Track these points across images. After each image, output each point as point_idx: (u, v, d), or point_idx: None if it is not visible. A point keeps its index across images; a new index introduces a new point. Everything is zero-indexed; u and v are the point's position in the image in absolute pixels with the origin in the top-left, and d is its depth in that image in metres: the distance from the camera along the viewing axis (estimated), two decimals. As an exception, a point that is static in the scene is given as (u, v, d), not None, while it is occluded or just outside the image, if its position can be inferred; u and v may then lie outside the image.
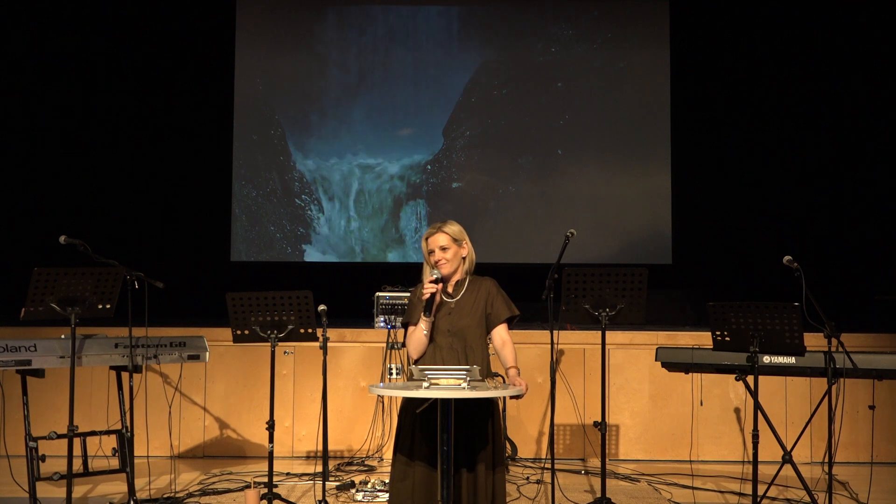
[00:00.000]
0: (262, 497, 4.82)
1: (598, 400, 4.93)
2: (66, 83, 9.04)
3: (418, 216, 9.20)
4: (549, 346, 4.56)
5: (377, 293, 6.70)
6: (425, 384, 3.63)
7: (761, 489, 4.81)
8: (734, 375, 4.96)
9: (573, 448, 6.54)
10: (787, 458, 4.85)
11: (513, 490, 5.44)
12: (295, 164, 9.24)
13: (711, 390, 6.41)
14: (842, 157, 8.94)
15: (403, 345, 4.77)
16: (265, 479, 4.97)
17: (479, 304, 4.05)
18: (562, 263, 4.61)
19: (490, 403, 4.00)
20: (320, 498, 5.08)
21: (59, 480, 4.76)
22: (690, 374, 5.81)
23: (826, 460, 4.72)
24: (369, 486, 5.45)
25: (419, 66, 9.29)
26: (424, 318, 3.95)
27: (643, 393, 6.53)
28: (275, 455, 4.90)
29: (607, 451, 5.68)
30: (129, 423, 5.00)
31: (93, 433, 5.06)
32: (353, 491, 5.44)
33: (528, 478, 5.86)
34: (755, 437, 4.62)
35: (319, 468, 5.75)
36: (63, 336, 4.82)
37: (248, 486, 5.10)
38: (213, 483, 5.68)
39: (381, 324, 6.61)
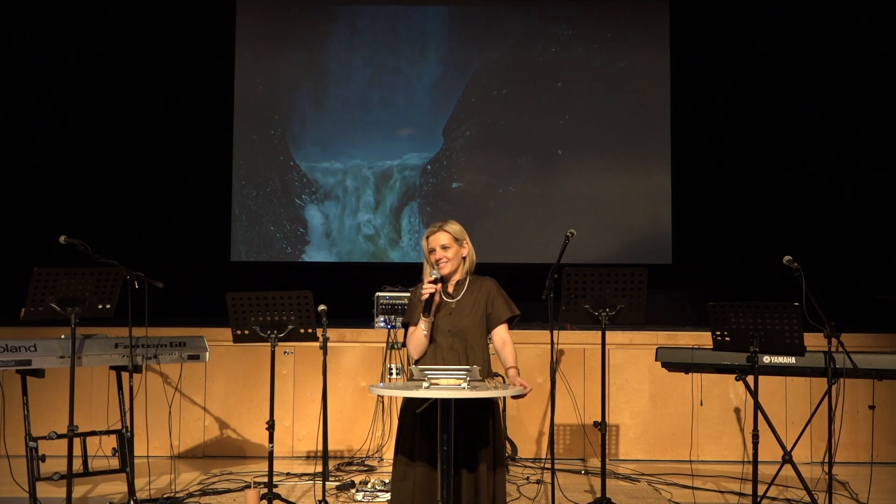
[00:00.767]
0: (262, 497, 4.82)
1: (598, 400, 4.93)
2: (66, 83, 9.04)
3: (418, 216, 9.20)
4: (549, 346, 4.56)
5: (377, 293, 6.70)
6: (425, 384, 3.62)
7: (761, 489, 4.81)
8: (734, 375, 4.96)
9: (573, 448, 6.54)
10: (787, 458, 4.85)
11: (513, 490, 5.44)
12: (295, 164, 9.24)
13: (711, 390, 6.41)
14: (842, 157, 8.94)
15: (403, 345, 4.77)
16: (265, 479, 4.97)
17: (480, 304, 4.05)
18: (562, 263, 4.61)
19: (490, 403, 4.00)
20: (320, 498, 5.08)
21: (59, 480, 4.76)
22: (690, 374, 5.81)
23: (826, 460, 4.72)
24: (369, 486, 5.45)
25: (419, 65, 9.29)
26: (424, 318, 3.95)
27: (643, 393, 6.53)
28: (275, 455, 4.90)
29: (607, 451, 5.68)
30: (129, 423, 5.00)
31: (93, 433, 5.06)
32: (353, 491, 5.44)
33: (528, 478, 5.86)
34: (755, 437, 4.62)
35: (319, 468, 5.75)
36: (63, 336, 4.82)
37: (248, 486, 5.10)
38: (213, 483, 5.68)
39: (381, 324, 6.61)
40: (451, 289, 4.08)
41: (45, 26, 9.04)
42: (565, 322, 4.91)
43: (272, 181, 9.25)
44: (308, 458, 6.46)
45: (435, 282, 3.95)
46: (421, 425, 3.91)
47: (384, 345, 6.47)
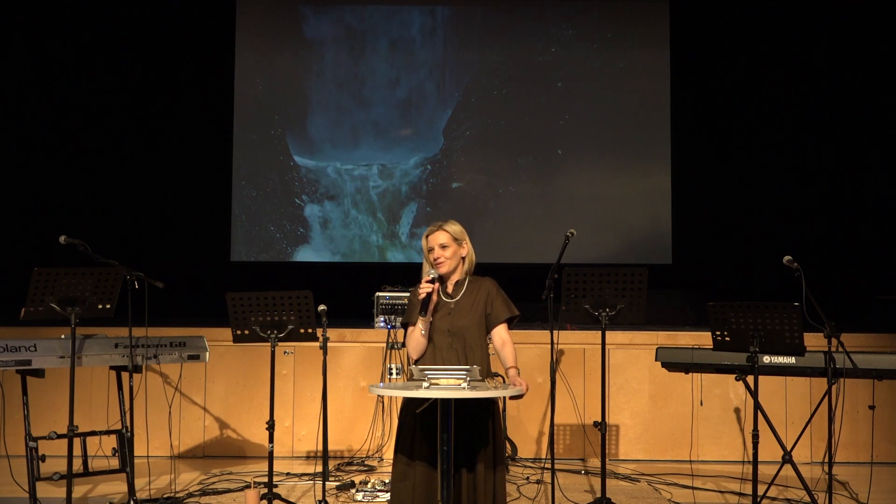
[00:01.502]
0: (262, 497, 4.82)
1: (598, 400, 4.93)
2: (66, 83, 9.05)
3: (418, 216, 9.20)
4: (549, 346, 4.56)
5: (377, 293, 6.70)
6: (425, 384, 3.63)
7: (761, 489, 4.81)
8: (734, 375, 4.96)
9: (573, 448, 6.54)
10: (787, 458, 4.85)
11: (513, 490, 5.44)
12: (295, 164, 9.24)
13: (711, 390, 6.41)
14: (842, 157, 8.94)
15: (403, 345, 4.77)
16: (265, 479, 4.97)
17: (479, 304, 4.05)
18: (562, 263, 4.61)
19: (490, 403, 4.00)
20: (320, 498, 5.08)
21: (59, 480, 4.76)
22: (690, 374, 5.81)
23: (826, 460, 4.72)
24: (369, 486, 5.45)
25: (419, 65, 9.29)
26: (421, 318, 3.95)
27: (643, 393, 6.53)
28: (275, 455, 4.91)
29: (607, 451, 5.68)
30: (129, 423, 5.00)
31: (93, 433, 5.06)
32: (353, 491, 5.44)
33: (528, 478, 5.86)
34: (755, 437, 4.62)
35: (319, 468, 5.75)
36: (63, 336, 4.82)
37: (248, 486, 5.10)
38: (213, 483, 5.68)
39: (381, 324, 6.61)
40: (450, 289, 4.08)
41: (45, 26, 9.04)
42: (565, 322, 4.91)
43: (272, 181, 9.25)
44: (308, 458, 6.46)
45: (432, 281, 3.95)
46: (421, 425, 3.91)
47: (384, 345, 6.47)
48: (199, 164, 9.16)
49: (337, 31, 9.32)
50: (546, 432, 6.36)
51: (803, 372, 4.93)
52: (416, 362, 4.03)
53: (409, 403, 3.97)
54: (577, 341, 6.55)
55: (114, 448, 5.06)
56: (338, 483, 5.63)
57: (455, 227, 4.07)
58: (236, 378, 6.54)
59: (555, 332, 4.56)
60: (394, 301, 6.61)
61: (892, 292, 8.05)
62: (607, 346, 5.07)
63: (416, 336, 3.99)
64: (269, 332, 4.76)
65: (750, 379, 4.74)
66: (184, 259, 8.80)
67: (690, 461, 6.34)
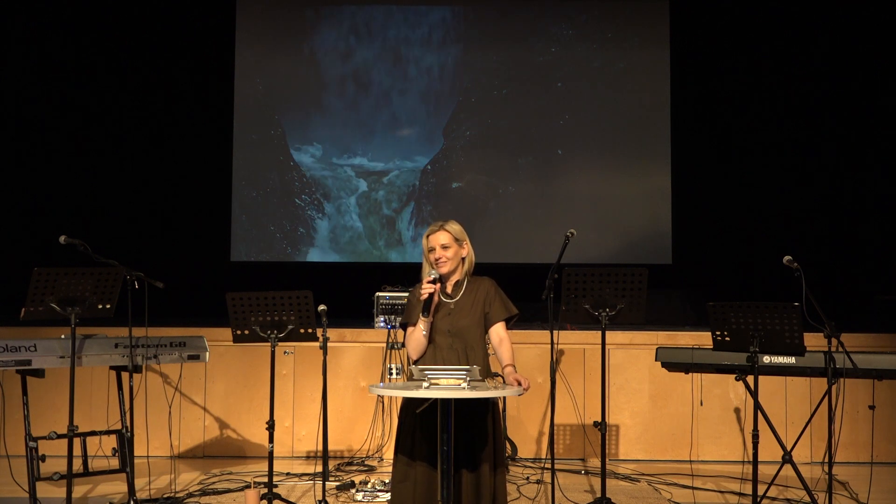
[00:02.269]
0: (262, 497, 4.82)
1: (598, 400, 4.92)
2: (66, 83, 9.05)
3: (418, 216, 9.20)
4: (549, 346, 4.55)
5: (377, 293, 6.70)
6: (425, 384, 3.62)
7: (761, 489, 4.81)
8: (734, 375, 4.96)
9: (573, 448, 6.54)
10: (787, 458, 4.85)
11: (513, 490, 5.43)
12: (295, 164, 9.24)
13: (711, 390, 6.41)
14: (842, 157, 8.94)
15: (403, 345, 4.77)
16: (265, 479, 4.97)
17: (479, 303, 4.05)
18: (562, 263, 4.61)
19: (490, 403, 4.00)
20: (320, 498, 5.08)
21: (59, 480, 4.76)
22: (690, 374, 5.81)
23: (826, 460, 4.72)
24: (369, 486, 5.45)
25: (419, 65, 9.29)
26: (423, 318, 3.95)
27: (643, 393, 6.53)
28: (275, 455, 4.90)
29: (607, 451, 5.68)
30: (129, 423, 5.00)
31: (93, 433, 5.06)
32: (353, 491, 5.44)
33: (528, 478, 5.86)
34: (755, 437, 4.62)
35: (319, 468, 5.75)
36: (63, 336, 4.82)
37: (248, 486, 5.10)
38: (213, 483, 5.68)
39: (381, 324, 6.61)
40: (449, 289, 4.08)
41: (45, 26, 9.04)
42: (565, 322, 4.91)
43: (272, 181, 9.25)
44: (308, 458, 6.46)
45: (434, 281, 3.96)
46: (421, 425, 3.91)
47: (384, 345, 6.47)
48: (199, 164, 9.16)
49: (337, 31, 9.32)
50: (546, 432, 6.36)
51: (803, 372, 4.92)
52: (416, 362, 4.03)
53: (408, 403, 3.98)
54: (577, 341, 6.55)
55: (114, 448, 5.06)
56: (338, 483, 5.63)
57: (456, 228, 4.07)
58: (236, 378, 6.54)
59: (555, 332, 4.56)
60: (394, 301, 6.61)
61: (892, 292, 8.05)
62: (607, 346, 5.07)
63: (417, 336, 3.99)
64: (269, 332, 4.76)
65: (750, 379, 4.74)
66: (184, 259, 8.80)
67: (690, 461, 6.34)
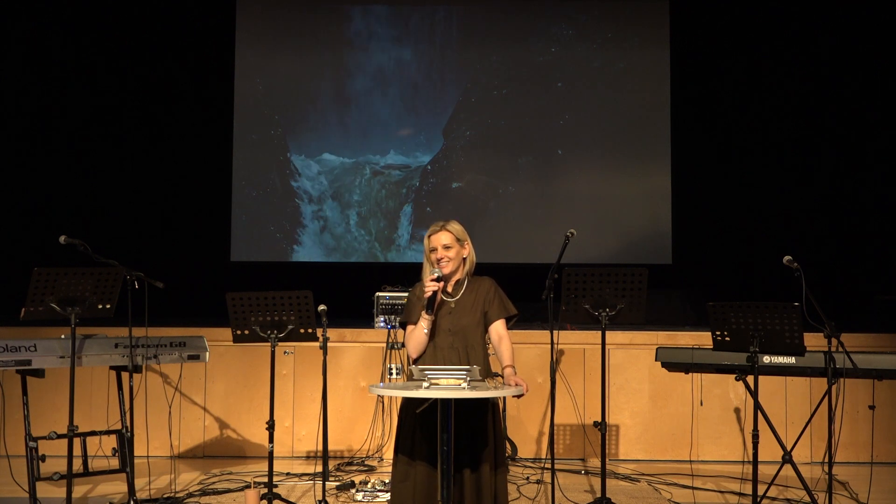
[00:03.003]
0: (262, 497, 4.82)
1: (598, 400, 4.92)
2: (67, 83, 9.04)
3: (418, 216, 9.20)
4: (549, 346, 4.55)
5: (377, 293, 6.70)
6: (425, 384, 3.62)
7: (761, 489, 4.81)
8: (734, 375, 4.96)
9: (573, 448, 6.54)
10: (787, 458, 4.85)
11: (513, 490, 5.43)
12: (295, 164, 9.24)
13: (711, 390, 6.41)
14: (842, 157, 8.94)
15: (403, 345, 4.77)
16: (265, 479, 4.97)
17: (479, 303, 4.05)
18: (562, 263, 4.61)
19: (490, 403, 4.01)
20: (320, 498, 5.08)
21: (59, 480, 4.76)
22: (690, 374, 5.81)
23: (826, 460, 4.72)
24: (369, 486, 5.45)
25: (419, 65, 9.29)
26: (426, 315, 3.96)
27: (643, 393, 6.53)
28: (275, 455, 4.90)
29: (607, 451, 5.68)
30: (129, 423, 5.00)
31: (93, 433, 5.06)
32: (353, 491, 5.44)
33: (528, 478, 5.86)
34: (755, 437, 4.62)
35: (319, 468, 5.75)
36: (63, 336, 4.82)
37: (248, 486, 5.10)
38: (213, 483, 5.68)
39: (381, 324, 6.61)
40: (450, 288, 4.08)
41: (45, 26, 9.04)
42: (565, 322, 4.91)
43: (272, 181, 9.25)
44: (308, 458, 6.46)
45: (437, 280, 3.96)
46: (421, 425, 3.91)
47: (384, 345, 6.47)
48: (199, 164, 9.15)
49: (336, 31, 9.31)
50: (546, 432, 6.36)
51: (803, 372, 4.92)
52: (416, 361, 4.03)
53: (408, 403, 3.98)
54: (577, 341, 6.55)
55: (114, 448, 5.06)
56: (338, 483, 5.63)
57: (457, 228, 4.08)
58: (236, 378, 6.54)
59: (555, 332, 4.56)
60: (394, 301, 6.61)
61: (892, 292, 8.04)
62: (607, 346, 5.07)
63: (417, 334, 3.99)
64: (269, 332, 4.76)
65: (750, 379, 4.74)
66: (184, 259, 8.81)
67: (690, 461, 6.34)
